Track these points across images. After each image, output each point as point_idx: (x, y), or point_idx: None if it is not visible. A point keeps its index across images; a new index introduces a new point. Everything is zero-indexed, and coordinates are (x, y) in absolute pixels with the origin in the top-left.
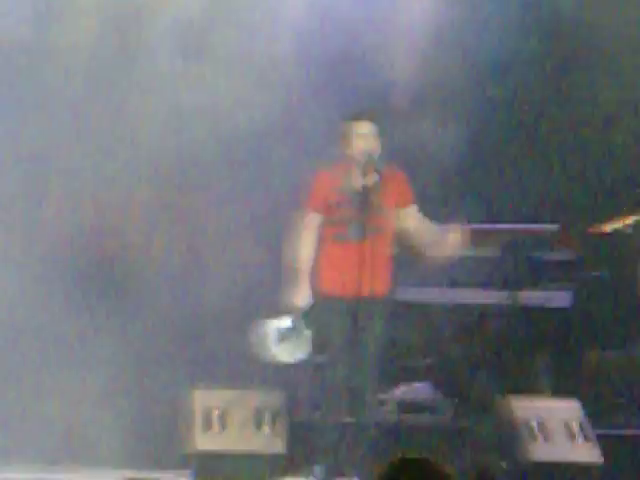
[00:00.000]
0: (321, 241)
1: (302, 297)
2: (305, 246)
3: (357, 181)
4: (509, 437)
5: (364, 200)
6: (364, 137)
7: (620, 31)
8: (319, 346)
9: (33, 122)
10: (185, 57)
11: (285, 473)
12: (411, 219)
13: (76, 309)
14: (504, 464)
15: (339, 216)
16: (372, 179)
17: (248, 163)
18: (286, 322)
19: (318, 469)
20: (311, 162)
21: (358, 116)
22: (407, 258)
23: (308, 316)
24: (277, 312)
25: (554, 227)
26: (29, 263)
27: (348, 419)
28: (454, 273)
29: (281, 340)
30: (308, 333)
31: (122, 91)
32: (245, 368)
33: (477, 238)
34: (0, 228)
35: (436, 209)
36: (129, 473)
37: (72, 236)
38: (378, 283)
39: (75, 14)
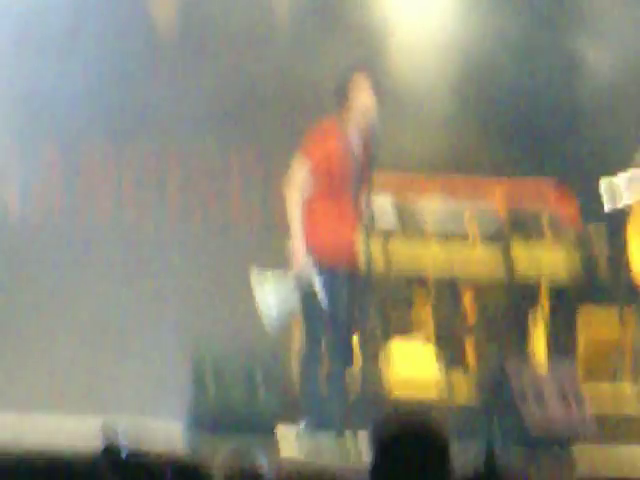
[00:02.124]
0: (312, 200)
1: (298, 260)
2: (298, 204)
3: (356, 142)
4: None
5: (360, 165)
6: (365, 91)
7: None
8: None
9: None
10: None
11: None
12: None
13: None
14: None
15: (336, 178)
16: (369, 140)
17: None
18: (278, 279)
19: None
20: (312, 114)
21: (357, 69)
22: None
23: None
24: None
25: None
26: None
27: None
28: None
29: (269, 293)
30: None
31: None
32: None
33: None
34: None
35: None
36: None
37: None
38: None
39: None
